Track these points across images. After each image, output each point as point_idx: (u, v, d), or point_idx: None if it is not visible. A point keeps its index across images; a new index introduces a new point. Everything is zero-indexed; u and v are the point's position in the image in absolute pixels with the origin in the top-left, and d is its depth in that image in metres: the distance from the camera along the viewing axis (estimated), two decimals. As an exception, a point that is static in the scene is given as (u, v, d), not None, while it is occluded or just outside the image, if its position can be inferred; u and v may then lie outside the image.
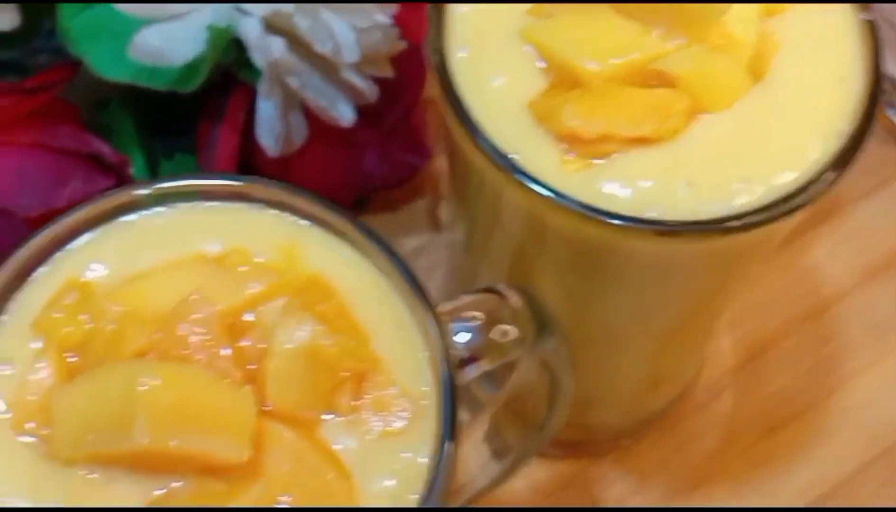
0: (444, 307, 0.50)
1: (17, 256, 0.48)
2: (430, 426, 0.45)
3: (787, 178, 0.49)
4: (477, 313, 0.51)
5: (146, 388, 0.42)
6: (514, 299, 0.52)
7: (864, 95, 0.50)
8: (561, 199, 0.48)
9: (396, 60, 0.75)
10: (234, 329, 0.46)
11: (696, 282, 0.54)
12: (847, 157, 0.49)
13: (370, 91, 0.72)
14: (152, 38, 0.66)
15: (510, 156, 0.49)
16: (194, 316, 0.45)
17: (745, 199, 0.48)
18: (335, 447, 0.45)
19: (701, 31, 0.50)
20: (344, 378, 0.46)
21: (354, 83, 0.69)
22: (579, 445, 0.73)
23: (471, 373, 0.50)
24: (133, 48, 0.66)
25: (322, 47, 0.67)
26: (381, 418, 0.45)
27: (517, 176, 0.48)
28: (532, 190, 0.48)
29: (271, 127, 0.70)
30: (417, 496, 0.44)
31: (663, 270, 0.52)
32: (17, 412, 0.45)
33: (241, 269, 0.48)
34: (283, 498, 0.44)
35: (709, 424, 0.75)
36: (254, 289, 0.47)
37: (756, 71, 0.51)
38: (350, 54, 0.68)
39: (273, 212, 0.50)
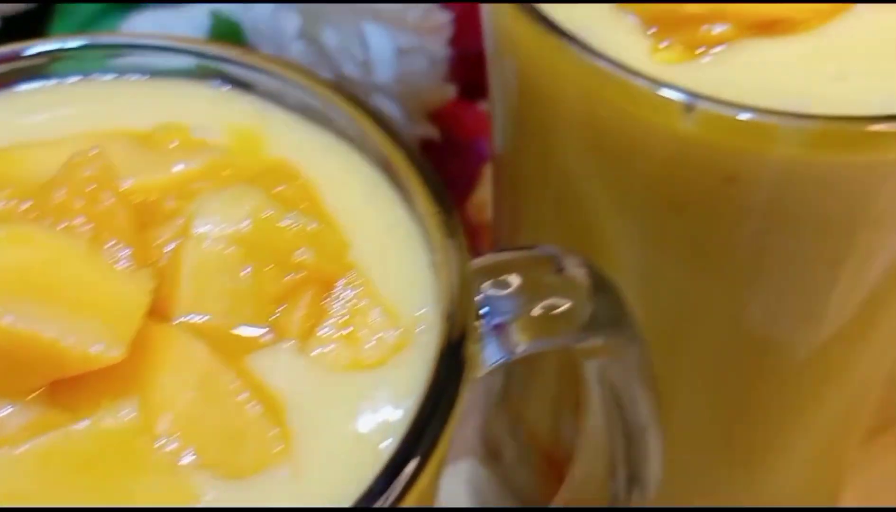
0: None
1: None
2: (423, 361, 0.29)
3: None
4: (513, 277, 0.35)
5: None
6: (573, 269, 0.36)
7: None
8: (645, 83, 0.32)
9: (446, 150, 0.63)
10: (147, 212, 0.31)
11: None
12: None
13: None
14: (143, 26, 0.54)
15: (575, 34, 0.34)
16: (84, 175, 0.30)
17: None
18: (275, 378, 0.28)
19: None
20: (300, 281, 0.29)
21: (384, 110, 0.56)
22: None
23: (491, 355, 0.33)
24: (121, 35, 0.54)
25: (350, 66, 0.55)
26: (349, 343, 0.29)
27: (580, 52, 0.33)
28: (604, 74, 0.33)
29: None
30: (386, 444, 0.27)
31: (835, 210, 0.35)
32: None
33: (171, 145, 0.33)
34: (168, 443, 0.26)
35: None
36: (183, 167, 0.32)
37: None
38: (383, 72, 0.55)
39: (230, 88, 0.35)
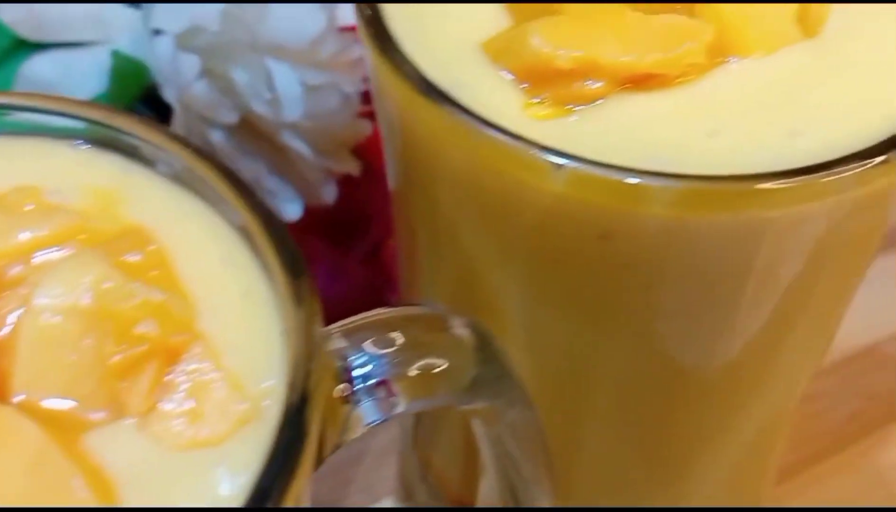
0: (352, 319, 0.34)
1: None
2: (267, 434, 0.28)
3: (863, 130, 0.33)
4: (395, 335, 0.34)
5: None
6: (459, 329, 0.35)
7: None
8: (515, 142, 0.32)
9: (369, 184, 0.62)
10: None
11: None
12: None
13: (319, 177, 0.58)
14: (44, 67, 0.53)
15: (448, 92, 0.34)
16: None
17: (799, 150, 0.32)
18: (113, 458, 0.27)
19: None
20: (142, 355, 0.28)
21: (294, 149, 0.55)
22: None
23: (369, 414, 0.33)
24: (20, 79, 0.53)
25: (258, 104, 0.54)
26: (192, 420, 0.28)
27: (452, 112, 0.33)
28: (473, 133, 0.32)
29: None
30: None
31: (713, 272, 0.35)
32: None
33: (25, 208, 0.32)
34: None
35: None
36: (32, 233, 0.31)
37: (806, 25, 0.36)
38: (292, 110, 0.54)
39: (91, 148, 0.34)
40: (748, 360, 0.40)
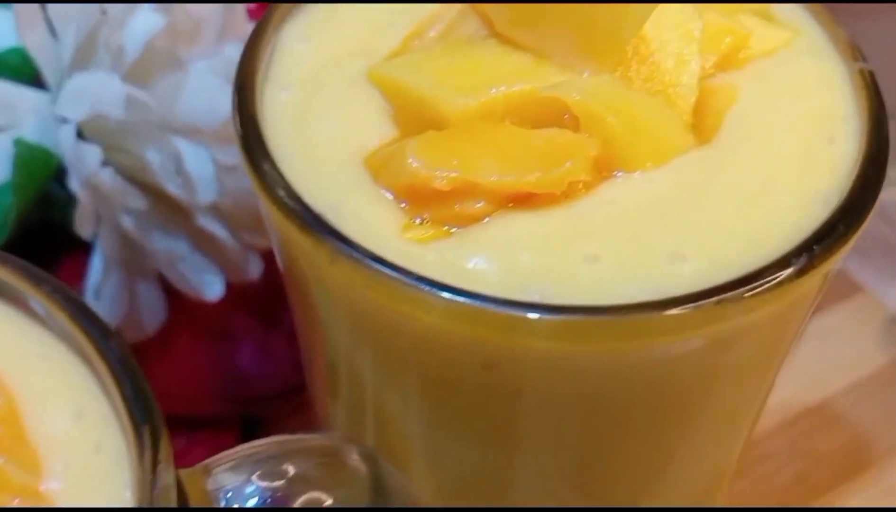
0: (234, 451, 0.32)
1: None
2: None
3: (753, 249, 0.32)
4: (287, 466, 0.32)
5: None
6: (354, 460, 0.33)
7: (863, 159, 0.34)
8: (388, 272, 0.31)
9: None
10: None
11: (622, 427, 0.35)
12: (840, 229, 0.32)
13: (241, 254, 0.56)
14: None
15: (323, 213, 0.32)
16: None
17: (682, 276, 0.31)
18: None
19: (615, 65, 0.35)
20: (-20, 525, 0.27)
21: (209, 231, 0.53)
22: None
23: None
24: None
25: (172, 185, 0.52)
26: (30, 596, 0.26)
27: (326, 239, 0.31)
28: (348, 262, 0.31)
29: (112, 297, 0.54)
30: None
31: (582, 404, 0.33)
32: None
33: None
34: None
35: None
36: None
37: (700, 129, 0.35)
38: (205, 191, 0.53)
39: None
40: (658, 463, 0.39)
